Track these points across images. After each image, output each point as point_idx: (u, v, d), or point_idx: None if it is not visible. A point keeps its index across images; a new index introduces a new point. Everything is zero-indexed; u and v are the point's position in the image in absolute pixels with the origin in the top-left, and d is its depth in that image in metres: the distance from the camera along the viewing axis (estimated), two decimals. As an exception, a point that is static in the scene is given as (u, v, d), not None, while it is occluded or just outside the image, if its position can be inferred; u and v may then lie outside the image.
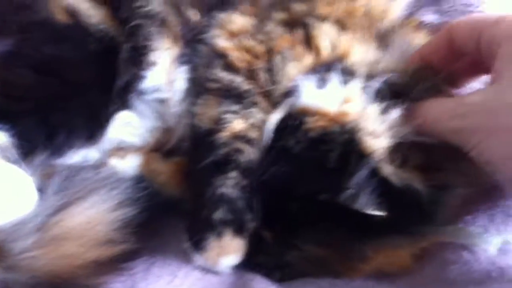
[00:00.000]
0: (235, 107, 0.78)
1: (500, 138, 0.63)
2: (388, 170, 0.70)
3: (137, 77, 0.84)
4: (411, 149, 0.71)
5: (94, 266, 0.71)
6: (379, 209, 0.69)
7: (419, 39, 0.82)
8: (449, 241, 0.73)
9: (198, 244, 0.74)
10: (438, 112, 0.70)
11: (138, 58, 0.84)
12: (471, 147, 0.66)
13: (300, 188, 0.73)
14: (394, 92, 0.75)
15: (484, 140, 0.64)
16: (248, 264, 0.77)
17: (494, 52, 0.67)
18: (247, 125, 0.77)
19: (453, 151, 0.69)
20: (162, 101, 0.86)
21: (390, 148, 0.71)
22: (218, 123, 0.77)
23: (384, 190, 0.69)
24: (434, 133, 0.70)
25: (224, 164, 0.75)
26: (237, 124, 0.77)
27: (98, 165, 0.84)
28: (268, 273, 0.77)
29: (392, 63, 0.78)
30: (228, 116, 0.77)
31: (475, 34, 0.71)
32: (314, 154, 0.73)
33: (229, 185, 0.75)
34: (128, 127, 0.87)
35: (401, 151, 0.71)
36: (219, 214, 0.74)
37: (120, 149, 0.87)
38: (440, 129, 0.69)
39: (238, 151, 0.76)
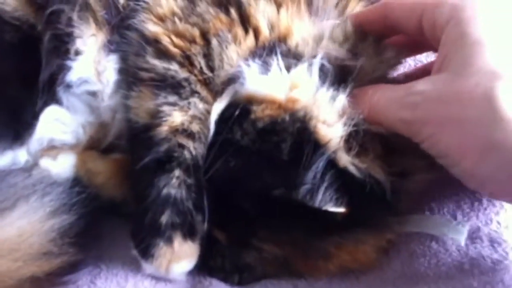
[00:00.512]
0: (172, 98, 0.72)
1: (452, 130, 0.59)
2: (345, 160, 0.66)
3: (62, 69, 0.77)
4: (367, 136, 0.67)
5: (31, 283, 0.66)
6: (339, 205, 0.65)
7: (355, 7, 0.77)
8: (415, 231, 0.70)
9: (146, 251, 0.70)
10: (385, 100, 0.66)
11: (61, 47, 0.77)
12: (422, 139, 0.62)
13: (252, 184, 0.69)
14: (340, 68, 0.71)
15: (437, 132, 0.60)
16: (204, 269, 0.73)
17: (437, 37, 0.64)
18: (187, 118, 0.71)
19: None
20: (92, 94, 0.80)
21: (345, 137, 0.66)
22: (156, 117, 0.71)
23: (343, 183, 0.65)
24: (381, 122, 0.66)
25: (166, 162, 0.70)
26: (177, 117, 0.71)
27: (28, 168, 0.78)
28: (225, 277, 0.73)
29: (335, 35, 0.73)
30: (165, 108, 0.71)
31: (415, 15, 0.67)
32: (264, 146, 0.68)
33: (174, 184, 0.70)
34: (58, 124, 0.81)
35: (357, 139, 0.67)
36: (165, 217, 0.69)
37: (52, 149, 0.81)
38: (387, 119, 0.65)
39: (180, 146, 0.71)
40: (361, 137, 0.67)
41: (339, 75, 0.70)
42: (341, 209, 0.65)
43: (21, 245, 0.67)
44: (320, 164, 0.65)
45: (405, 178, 0.69)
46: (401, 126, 0.64)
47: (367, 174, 0.65)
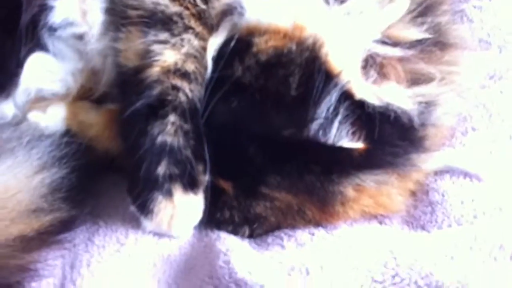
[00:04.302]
0: (163, 36, 0.66)
1: None
2: (363, 89, 0.60)
3: (43, 9, 0.72)
4: (386, 61, 0.62)
5: (21, 242, 0.62)
6: (356, 139, 0.60)
7: None
8: (446, 169, 0.64)
9: (144, 207, 0.65)
10: None
11: (42, -16, 0.72)
12: None
13: (258, 125, 0.64)
14: None
15: None
16: (211, 222, 0.68)
17: None
18: (181, 56, 0.66)
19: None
20: (79, 37, 0.74)
21: (361, 63, 0.61)
22: (145, 57, 0.66)
23: (360, 115, 0.60)
24: None
25: (159, 107, 0.65)
26: (169, 56, 0.66)
27: (16, 123, 0.74)
28: (235, 230, 0.68)
29: None
30: (156, 47, 0.66)
31: None
32: (269, 82, 0.63)
33: (169, 131, 0.65)
34: (45, 72, 0.75)
35: (374, 65, 0.61)
36: (162, 168, 0.64)
37: (41, 100, 0.76)
38: None
39: (175, 88, 0.65)
40: (379, 63, 0.61)
41: None
42: (359, 144, 0.59)
43: (7, 202, 0.63)
44: (333, 96, 0.60)
45: (433, 108, 0.62)
46: None
47: (389, 104, 0.60)
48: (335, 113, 0.60)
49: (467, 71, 0.68)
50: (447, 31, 0.67)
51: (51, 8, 0.72)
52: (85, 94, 0.77)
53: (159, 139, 0.64)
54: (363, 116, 0.60)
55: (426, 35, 0.64)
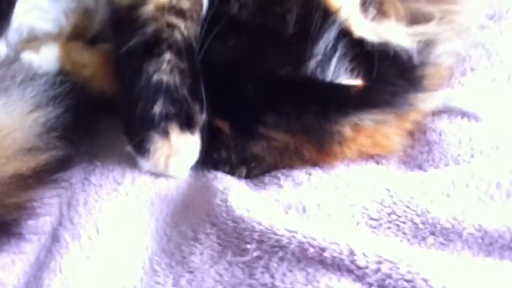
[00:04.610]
0: None
1: None
2: (361, 26, 0.60)
3: None
4: None
5: (18, 180, 0.61)
6: (354, 76, 0.60)
7: None
8: (444, 109, 0.64)
9: (140, 147, 0.64)
10: None
11: None
12: None
13: (255, 64, 0.63)
14: None
15: None
16: (208, 163, 0.68)
17: None
18: None
19: None
20: None
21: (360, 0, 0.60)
22: None
23: (359, 53, 0.60)
24: None
25: (155, 45, 0.64)
26: None
27: (9, 62, 0.72)
28: (232, 170, 0.67)
29: None
30: None
31: None
32: (266, 20, 0.62)
33: (165, 70, 0.63)
34: (38, 11, 0.74)
35: (373, 2, 0.61)
36: (158, 107, 0.63)
37: (33, 40, 0.75)
38: None
39: (170, 26, 0.64)
40: (379, 0, 0.60)
41: None
42: (357, 82, 0.59)
43: (2, 141, 0.62)
44: (331, 33, 0.59)
45: (432, 46, 0.62)
46: None
47: (388, 42, 0.59)
48: (333, 50, 0.59)
49: (467, 11, 0.67)
50: (448, -28, 0.66)
51: None
52: (79, 34, 0.76)
53: (155, 77, 0.63)
54: (362, 53, 0.59)
55: None
